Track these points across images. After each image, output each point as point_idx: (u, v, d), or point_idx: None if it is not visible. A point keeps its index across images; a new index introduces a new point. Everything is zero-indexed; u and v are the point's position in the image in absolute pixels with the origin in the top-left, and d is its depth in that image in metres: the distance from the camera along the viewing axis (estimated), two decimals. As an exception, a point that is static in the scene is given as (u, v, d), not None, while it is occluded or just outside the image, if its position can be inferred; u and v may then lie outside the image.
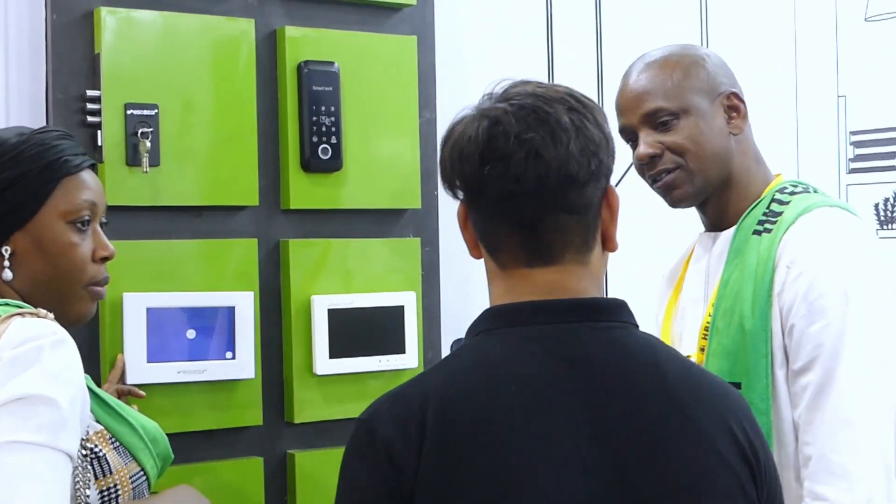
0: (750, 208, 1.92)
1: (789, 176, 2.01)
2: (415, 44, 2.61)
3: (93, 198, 1.73)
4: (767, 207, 1.91)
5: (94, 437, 1.63)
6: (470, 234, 1.42)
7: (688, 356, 1.92)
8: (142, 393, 2.19)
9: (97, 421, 1.66)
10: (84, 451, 1.60)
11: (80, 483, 1.58)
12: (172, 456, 1.79)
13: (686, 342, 1.98)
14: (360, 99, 2.52)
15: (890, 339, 1.79)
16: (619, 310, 1.40)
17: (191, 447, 2.35)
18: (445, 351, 2.73)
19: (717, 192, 1.95)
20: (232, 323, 2.35)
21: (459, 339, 2.75)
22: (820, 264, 1.80)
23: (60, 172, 1.69)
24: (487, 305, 1.43)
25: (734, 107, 1.94)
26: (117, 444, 1.67)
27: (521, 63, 2.87)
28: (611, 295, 2.93)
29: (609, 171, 1.40)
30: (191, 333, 2.31)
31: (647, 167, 1.94)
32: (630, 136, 1.96)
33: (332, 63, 2.47)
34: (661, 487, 1.29)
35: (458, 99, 2.73)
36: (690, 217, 2.06)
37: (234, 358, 2.35)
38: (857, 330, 1.76)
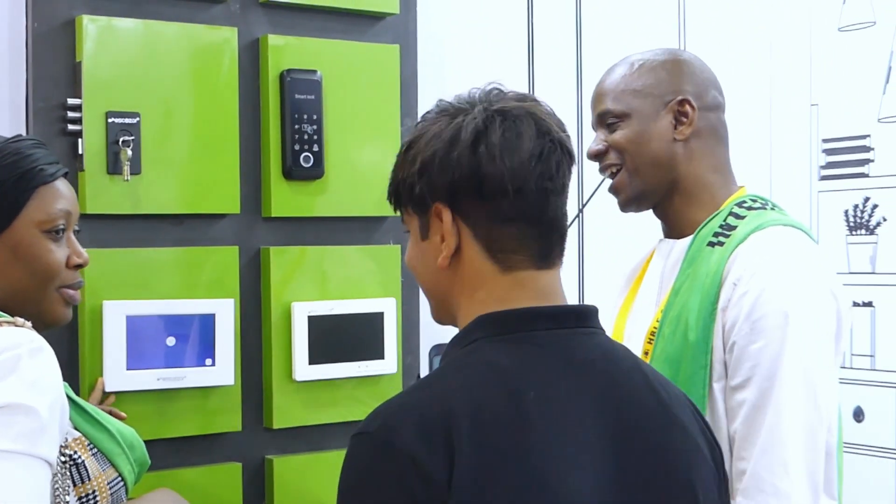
0: (708, 219, 1.94)
1: (757, 186, 2.05)
2: (397, 52, 2.61)
3: (67, 207, 1.75)
4: (724, 220, 1.93)
5: (72, 444, 1.64)
6: (455, 239, 1.39)
7: None
8: (123, 414, 2.19)
9: (75, 428, 1.67)
10: (63, 458, 1.61)
11: (60, 490, 1.59)
12: (149, 462, 1.80)
13: (632, 344, 2.00)
14: (342, 107, 2.52)
15: (826, 362, 1.83)
16: (595, 316, 1.44)
17: (170, 453, 2.36)
18: (424, 357, 2.75)
19: (665, 197, 1.99)
20: (212, 330, 2.35)
21: (439, 346, 2.76)
22: (764, 284, 1.82)
23: (35, 182, 1.71)
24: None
25: (683, 112, 1.96)
26: (95, 450, 1.68)
27: (502, 71, 2.87)
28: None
29: None
30: (170, 341, 2.32)
31: (598, 163, 2.01)
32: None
33: (314, 71, 2.48)
34: (661, 481, 1.35)
35: (438, 107, 2.76)
36: (656, 225, 2.09)
37: (213, 364, 2.35)
38: (794, 352, 1.78)
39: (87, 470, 1.65)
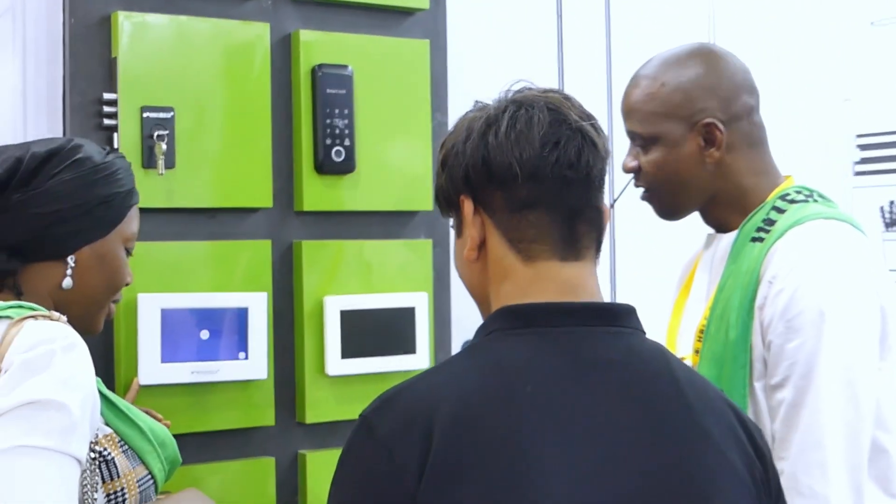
0: (752, 213, 1.91)
1: (798, 180, 2.00)
2: (427, 47, 2.62)
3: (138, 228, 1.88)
4: (767, 214, 1.90)
5: (103, 441, 1.65)
6: (478, 231, 1.40)
7: (683, 357, 1.94)
8: (160, 416, 2.15)
9: (107, 424, 1.68)
10: (93, 455, 1.62)
11: (88, 486, 1.60)
12: (180, 459, 1.81)
13: (683, 342, 2.00)
14: (373, 102, 2.54)
15: (867, 359, 1.78)
16: (629, 316, 1.40)
17: (203, 447, 2.37)
18: (456, 351, 2.75)
19: (707, 206, 1.97)
20: (245, 324, 2.36)
21: (470, 341, 2.76)
22: (800, 281, 1.79)
23: (133, 199, 1.84)
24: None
25: (710, 138, 1.91)
26: (126, 447, 1.69)
27: (532, 66, 2.89)
28: (619, 299, 2.95)
29: None
30: (204, 334, 2.33)
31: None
32: None
33: (345, 66, 2.49)
34: (675, 493, 1.29)
35: (469, 102, 2.76)
36: (698, 222, 2.07)
37: (246, 358, 2.37)
38: (831, 349, 1.75)
39: (116, 467, 1.65)
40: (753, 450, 1.38)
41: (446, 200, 1.45)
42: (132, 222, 1.84)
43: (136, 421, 1.72)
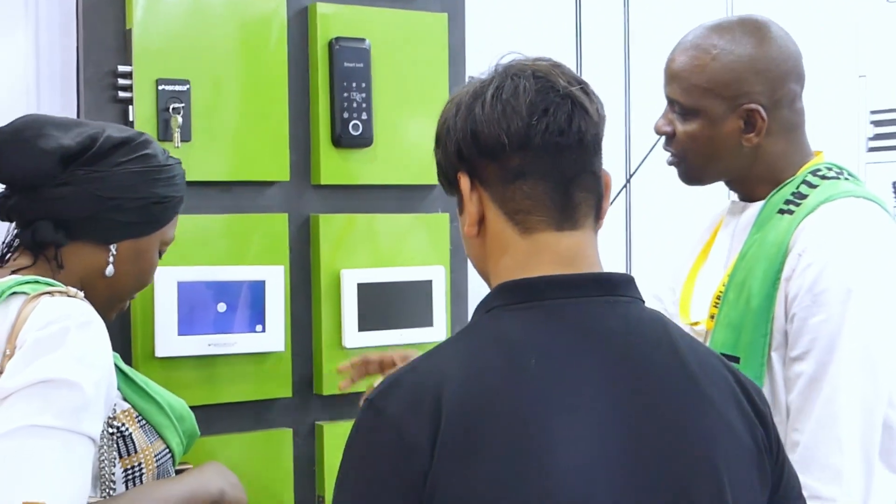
0: (781, 185, 1.91)
1: (827, 156, 1.99)
2: (445, 21, 2.61)
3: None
4: (797, 188, 1.89)
5: (120, 416, 1.65)
6: (476, 206, 1.39)
7: (696, 322, 1.96)
8: None
9: (124, 399, 1.68)
10: (111, 430, 1.62)
11: (106, 462, 1.60)
12: (199, 433, 1.82)
13: (697, 307, 1.99)
14: (390, 75, 2.53)
15: (886, 339, 1.79)
16: (628, 284, 1.40)
17: (221, 419, 2.38)
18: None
19: (736, 179, 1.97)
20: (262, 297, 2.36)
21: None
22: (829, 257, 1.79)
23: (180, 207, 1.86)
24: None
25: (751, 123, 1.89)
26: (144, 422, 1.69)
27: (549, 40, 2.88)
28: (633, 267, 2.95)
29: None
30: (221, 307, 2.33)
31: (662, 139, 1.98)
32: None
33: (363, 40, 2.48)
34: (677, 459, 1.30)
35: (486, 75, 2.76)
36: (714, 193, 2.07)
37: (264, 331, 2.37)
38: (854, 327, 1.76)
39: (133, 442, 1.65)
40: (754, 413, 1.39)
41: (446, 178, 1.45)
42: (172, 228, 1.86)
43: (154, 396, 1.72)
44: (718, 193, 2.10)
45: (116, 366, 1.64)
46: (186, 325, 2.29)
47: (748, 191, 1.98)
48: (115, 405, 1.64)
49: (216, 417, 2.36)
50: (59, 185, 1.69)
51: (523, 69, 1.37)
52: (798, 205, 1.87)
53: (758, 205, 1.94)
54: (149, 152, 1.78)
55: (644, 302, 1.41)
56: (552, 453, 1.25)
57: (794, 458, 1.76)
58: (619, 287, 1.38)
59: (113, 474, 1.61)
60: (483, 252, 1.42)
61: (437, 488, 1.23)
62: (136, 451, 1.65)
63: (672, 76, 1.95)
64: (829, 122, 3.45)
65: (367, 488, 1.27)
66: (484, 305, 1.38)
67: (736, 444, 1.35)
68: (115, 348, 2.25)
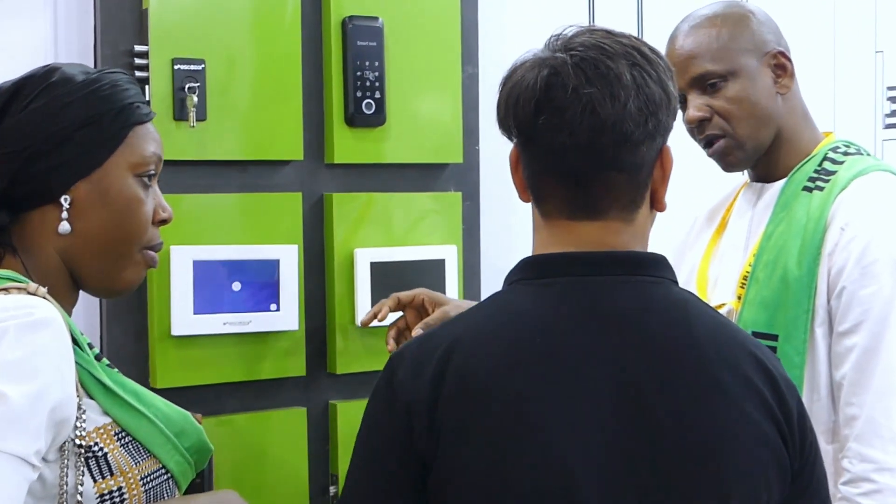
0: (801, 164, 1.93)
1: (838, 135, 2.02)
2: (458, -2, 2.61)
3: (160, 151, 1.57)
4: (819, 165, 1.91)
5: (93, 433, 1.41)
6: (520, 177, 1.41)
7: (721, 304, 1.95)
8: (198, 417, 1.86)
9: (105, 413, 1.44)
10: (77, 450, 1.39)
11: (68, 486, 1.37)
12: (210, 447, 1.57)
13: (721, 289, 2.00)
14: (403, 54, 2.53)
15: None
16: (656, 264, 1.39)
17: (236, 397, 2.40)
18: (485, 304, 2.76)
19: (767, 150, 1.96)
20: (276, 276, 2.37)
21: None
22: (874, 229, 1.81)
23: (133, 118, 1.53)
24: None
25: (781, 65, 1.94)
26: (128, 439, 1.45)
27: (563, 18, 2.87)
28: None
29: (667, 130, 1.38)
30: (236, 286, 2.34)
31: (696, 130, 1.95)
32: (679, 99, 1.97)
33: (376, 18, 2.48)
34: (681, 444, 1.29)
35: (500, 54, 2.76)
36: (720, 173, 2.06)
37: (278, 310, 2.38)
38: None
39: (109, 464, 1.41)
40: (779, 405, 1.36)
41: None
42: (141, 144, 1.53)
43: (141, 409, 1.46)
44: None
45: (94, 376, 1.42)
46: (202, 304, 2.31)
47: (767, 169, 1.98)
48: (83, 420, 1.39)
49: (231, 396, 2.38)
50: None
51: (546, 60, 1.34)
52: (826, 181, 1.88)
53: (777, 185, 1.95)
54: (54, 80, 1.49)
55: (675, 282, 1.40)
56: (546, 431, 1.26)
57: (854, 431, 1.77)
58: (645, 266, 1.38)
59: (79, 497, 1.38)
60: None
61: (436, 457, 1.27)
62: (111, 474, 1.41)
63: (690, 57, 1.95)
64: (846, 98, 3.43)
65: (370, 451, 1.33)
66: (507, 278, 1.40)
67: (749, 431, 1.32)
68: (130, 328, 2.30)
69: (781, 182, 1.94)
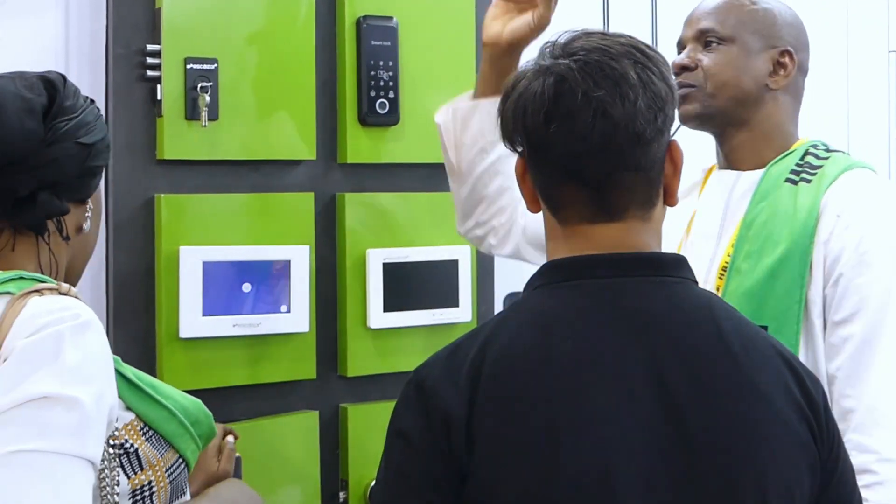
0: (780, 157, 1.93)
1: (834, 134, 2.07)
2: (473, -2, 2.59)
3: None
4: (802, 159, 1.91)
5: (123, 430, 1.44)
6: (528, 188, 1.40)
7: None
8: (236, 433, 1.87)
9: (128, 408, 1.47)
10: (111, 448, 1.42)
11: (108, 486, 1.41)
12: (216, 432, 1.62)
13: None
14: (417, 53, 2.51)
15: None
16: (678, 265, 1.38)
17: (245, 400, 2.38)
18: (499, 305, 2.74)
19: (733, 130, 1.96)
20: (287, 277, 2.35)
21: (513, 294, 2.75)
22: (869, 219, 1.82)
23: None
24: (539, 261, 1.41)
25: (783, 64, 1.94)
26: (151, 433, 1.48)
27: (577, 16, 2.84)
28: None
29: (672, 123, 1.37)
30: (246, 287, 2.32)
31: (676, 76, 1.96)
32: (680, 48, 2.01)
33: (390, 18, 2.46)
34: (718, 444, 1.28)
35: (514, 54, 2.72)
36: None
37: (289, 311, 2.36)
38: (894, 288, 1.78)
39: (140, 458, 1.45)
40: (806, 401, 1.35)
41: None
42: None
43: (164, 402, 1.50)
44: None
45: (117, 370, 1.44)
46: (211, 306, 2.28)
47: (743, 156, 1.97)
48: (116, 418, 1.43)
49: (240, 399, 2.36)
50: (50, 145, 1.47)
51: (550, 68, 1.33)
52: (813, 174, 1.89)
53: (755, 174, 1.94)
54: (75, 87, 1.55)
55: (696, 282, 1.40)
56: (587, 437, 1.25)
57: (853, 423, 1.75)
58: (668, 267, 1.37)
59: (116, 497, 1.41)
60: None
61: (473, 467, 1.25)
62: (141, 469, 1.45)
63: (705, 13, 1.97)
64: (859, 97, 3.42)
65: (405, 462, 1.31)
66: (530, 283, 1.38)
67: (782, 430, 1.32)
68: (139, 329, 2.28)
69: (758, 172, 1.94)
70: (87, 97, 1.57)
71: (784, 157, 1.93)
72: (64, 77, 1.54)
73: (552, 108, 1.31)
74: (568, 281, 1.35)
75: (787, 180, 1.89)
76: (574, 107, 1.30)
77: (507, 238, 2.13)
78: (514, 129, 1.36)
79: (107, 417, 1.35)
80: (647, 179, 1.36)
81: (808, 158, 1.92)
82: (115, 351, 2.21)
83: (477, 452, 1.25)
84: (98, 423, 1.32)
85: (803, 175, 1.89)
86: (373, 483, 2.44)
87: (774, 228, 1.86)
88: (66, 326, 1.32)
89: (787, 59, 1.94)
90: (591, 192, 1.34)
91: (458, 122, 2.08)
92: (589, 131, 1.30)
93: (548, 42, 1.38)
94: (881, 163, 3.43)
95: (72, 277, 1.58)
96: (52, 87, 1.50)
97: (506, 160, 2.01)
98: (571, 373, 1.28)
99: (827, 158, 1.92)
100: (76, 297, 1.41)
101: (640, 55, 1.34)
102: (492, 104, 1.79)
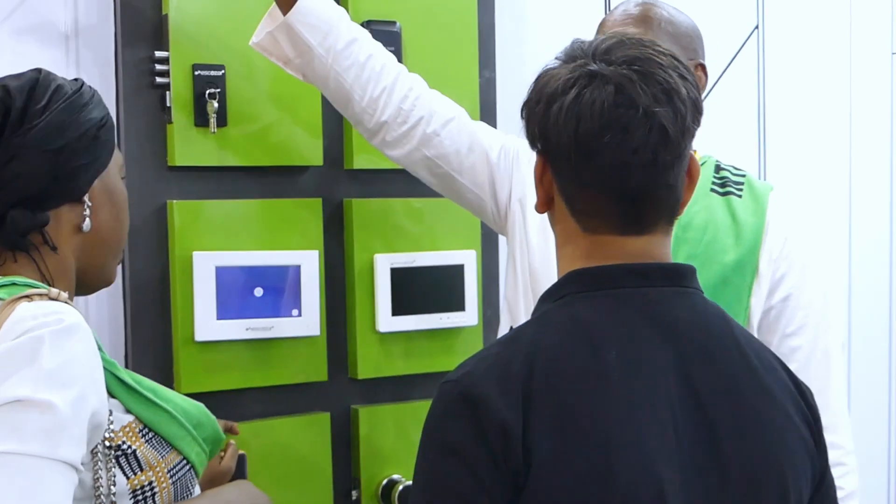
0: None
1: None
2: (475, 3, 2.61)
3: None
4: (717, 173, 2.01)
5: (120, 432, 1.45)
6: (545, 189, 1.39)
7: None
8: (236, 428, 2.00)
9: (127, 411, 1.48)
10: (107, 450, 1.43)
11: (102, 485, 1.42)
12: (223, 436, 1.63)
13: None
14: (421, 58, 2.53)
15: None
16: (692, 275, 1.39)
17: (259, 402, 2.41)
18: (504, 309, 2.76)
19: None
20: (298, 281, 2.38)
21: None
22: (808, 246, 2.00)
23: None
24: (545, 265, 1.38)
25: (698, 78, 1.93)
26: (151, 435, 1.49)
27: (580, 22, 2.87)
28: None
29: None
30: (258, 291, 2.35)
31: None
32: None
33: (394, 23, 2.49)
34: (747, 449, 1.30)
35: (517, 58, 2.76)
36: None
37: (300, 315, 2.38)
38: (827, 299, 1.99)
39: (138, 460, 1.46)
40: (808, 410, 1.39)
41: (532, 148, 1.42)
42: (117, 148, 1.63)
43: (163, 405, 1.51)
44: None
45: (116, 376, 1.46)
46: (224, 310, 2.31)
47: None
48: (110, 420, 1.44)
49: (254, 401, 2.39)
50: (9, 162, 1.46)
51: (610, 75, 1.30)
52: (739, 188, 1.99)
53: None
54: (58, 83, 1.53)
55: (703, 293, 1.40)
56: (637, 445, 1.25)
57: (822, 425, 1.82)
58: (685, 277, 1.38)
59: (113, 497, 1.43)
60: (553, 231, 1.42)
61: (528, 477, 1.23)
62: (141, 470, 1.46)
63: (634, 19, 1.97)
64: (861, 100, 3.43)
65: (456, 473, 1.25)
66: (555, 292, 1.37)
67: (796, 437, 1.35)
68: (155, 333, 2.30)
69: None
70: (75, 82, 1.56)
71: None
72: (38, 75, 1.52)
73: (611, 119, 1.29)
74: (600, 289, 1.34)
75: (713, 190, 1.98)
76: (634, 121, 1.29)
77: (403, 140, 2.14)
78: (556, 131, 1.33)
79: (88, 420, 1.35)
80: (675, 194, 1.36)
81: (724, 173, 2.01)
82: (133, 354, 2.27)
83: (534, 465, 1.23)
84: (75, 426, 1.32)
85: (729, 189, 1.98)
86: (385, 482, 2.47)
87: (717, 235, 1.93)
88: (47, 331, 1.33)
89: (701, 73, 1.96)
90: (628, 205, 1.33)
91: (286, 41, 2.10)
92: (643, 146, 1.29)
93: (584, 44, 1.36)
94: (884, 164, 3.45)
95: (92, 277, 1.57)
96: (8, 96, 1.48)
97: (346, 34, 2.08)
98: (619, 384, 1.27)
99: (743, 175, 2.03)
100: (66, 303, 1.41)
101: (682, 67, 1.34)
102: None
